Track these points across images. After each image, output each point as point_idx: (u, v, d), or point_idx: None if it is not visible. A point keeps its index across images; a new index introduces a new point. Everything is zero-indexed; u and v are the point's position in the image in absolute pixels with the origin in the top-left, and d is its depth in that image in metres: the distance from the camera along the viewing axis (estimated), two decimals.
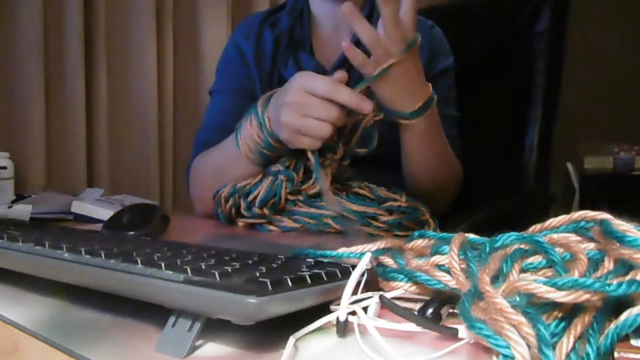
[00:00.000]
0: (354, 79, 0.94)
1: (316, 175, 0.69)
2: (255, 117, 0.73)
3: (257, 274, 0.32)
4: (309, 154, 0.70)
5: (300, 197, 0.74)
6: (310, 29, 0.97)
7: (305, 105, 0.67)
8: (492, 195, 1.00)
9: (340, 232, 0.72)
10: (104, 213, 0.84)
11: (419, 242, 0.42)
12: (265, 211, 0.74)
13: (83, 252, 0.38)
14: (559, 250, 0.32)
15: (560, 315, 0.27)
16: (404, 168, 0.84)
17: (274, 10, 1.03)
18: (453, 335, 0.28)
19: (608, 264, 0.30)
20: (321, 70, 0.92)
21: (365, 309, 0.32)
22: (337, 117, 0.67)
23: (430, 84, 0.75)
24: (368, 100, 0.67)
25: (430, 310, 0.32)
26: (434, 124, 0.79)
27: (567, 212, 0.35)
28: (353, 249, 0.40)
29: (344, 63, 0.93)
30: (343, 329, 0.30)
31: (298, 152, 0.72)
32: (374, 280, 0.37)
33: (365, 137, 0.74)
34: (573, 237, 0.33)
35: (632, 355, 0.24)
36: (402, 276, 0.37)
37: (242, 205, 0.75)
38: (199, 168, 0.91)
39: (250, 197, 0.74)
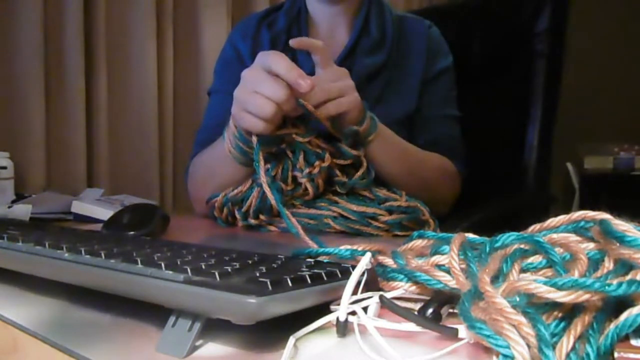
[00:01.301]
0: (355, 74, 0.94)
1: (255, 166, 0.65)
2: None
3: (257, 274, 0.32)
4: (253, 138, 0.66)
5: (297, 201, 0.74)
6: (308, 28, 0.97)
7: (257, 80, 0.65)
8: (492, 195, 1.00)
9: (341, 233, 0.72)
10: (104, 213, 0.84)
11: (418, 242, 0.42)
12: (262, 217, 0.74)
13: (83, 252, 0.38)
14: (559, 250, 0.32)
15: (560, 315, 0.27)
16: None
17: (272, 10, 1.04)
18: (453, 335, 0.28)
19: (608, 264, 0.30)
20: None
21: (365, 309, 0.32)
22: (283, 96, 0.64)
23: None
24: (308, 79, 0.64)
25: (430, 310, 0.32)
26: (386, 143, 0.79)
27: (567, 212, 0.35)
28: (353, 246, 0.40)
29: (342, 63, 0.93)
30: (343, 329, 0.30)
31: (280, 159, 0.71)
32: (374, 280, 0.37)
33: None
34: (573, 237, 0.33)
35: (632, 355, 0.24)
36: (402, 276, 0.37)
37: (238, 216, 0.75)
38: (195, 168, 0.91)
39: (244, 208, 0.74)
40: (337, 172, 0.73)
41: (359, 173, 0.74)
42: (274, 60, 0.64)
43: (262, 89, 0.64)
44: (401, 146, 0.83)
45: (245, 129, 0.67)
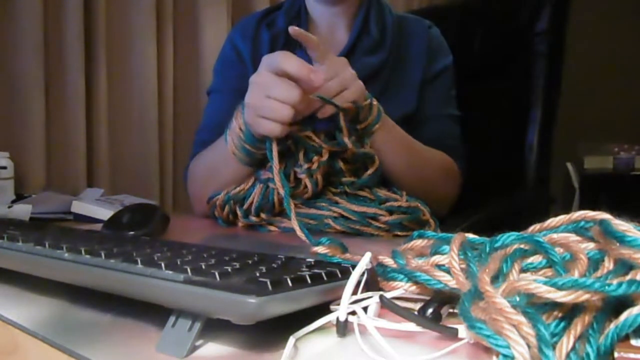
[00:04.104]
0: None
1: (270, 163, 0.66)
2: (240, 111, 0.71)
3: (257, 274, 0.32)
4: (273, 144, 0.66)
5: (297, 201, 0.74)
6: (307, 28, 0.97)
7: (268, 85, 0.65)
8: (492, 195, 1.00)
9: (341, 233, 0.72)
10: (104, 213, 0.84)
11: (418, 242, 0.42)
12: (263, 216, 0.74)
13: (83, 252, 0.38)
14: (559, 250, 0.32)
15: (560, 315, 0.27)
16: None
17: (271, 9, 1.04)
18: (453, 335, 0.28)
19: (608, 264, 0.30)
20: None
21: (365, 308, 0.32)
22: (297, 96, 0.64)
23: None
24: (319, 72, 0.64)
25: (430, 310, 0.32)
26: (391, 134, 0.79)
27: (567, 212, 0.35)
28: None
29: None
30: (343, 329, 0.30)
31: (285, 157, 0.71)
32: (374, 280, 0.37)
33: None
34: (573, 237, 0.33)
35: (632, 355, 0.24)
36: (402, 276, 0.37)
37: (239, 213, 0.75)
38: (196, 168, 0.91)
39: (246, 205, 0.74)
40: (344, 171, 0.74)
41: (370, 171, 0.74)
42: (282, 59, 0.64)
43: (276, 93, 0.64)
44: (406, 140, 0.83)
45: (263, 134, 0.67)
